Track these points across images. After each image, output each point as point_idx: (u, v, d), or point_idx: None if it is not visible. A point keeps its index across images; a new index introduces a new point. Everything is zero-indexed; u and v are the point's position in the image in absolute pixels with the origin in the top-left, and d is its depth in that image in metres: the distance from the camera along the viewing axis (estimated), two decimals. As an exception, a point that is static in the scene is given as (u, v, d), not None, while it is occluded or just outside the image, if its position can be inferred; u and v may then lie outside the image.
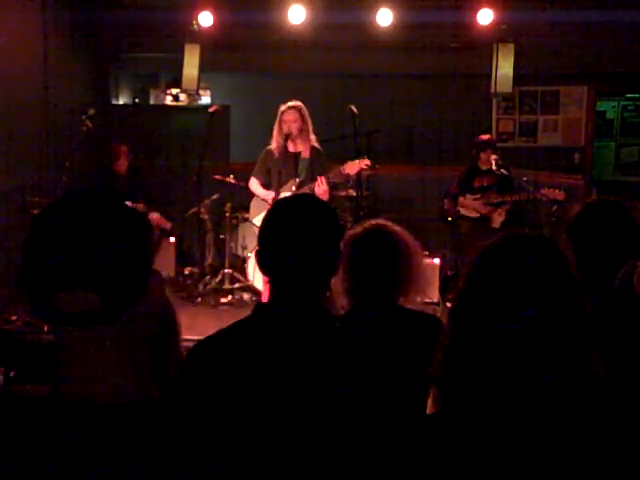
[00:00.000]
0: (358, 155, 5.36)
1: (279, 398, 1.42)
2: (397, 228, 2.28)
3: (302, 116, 5.46)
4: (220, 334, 1.55)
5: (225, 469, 1.37)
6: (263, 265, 1.57)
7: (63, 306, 1.05)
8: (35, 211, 5.38)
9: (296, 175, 5.49)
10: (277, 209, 1.64)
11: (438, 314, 5.41)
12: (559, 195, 5.69)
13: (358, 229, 2.28)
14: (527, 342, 1.22)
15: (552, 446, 1.20)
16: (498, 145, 7.07)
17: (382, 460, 1.37)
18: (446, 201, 6.22)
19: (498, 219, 6.06)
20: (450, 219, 6.21)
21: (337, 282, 2.13)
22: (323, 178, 5.33)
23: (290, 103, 5.48)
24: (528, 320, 1.22)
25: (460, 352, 1.27)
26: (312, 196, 1.92)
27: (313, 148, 5.57)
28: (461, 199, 6.14)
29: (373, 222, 2.29)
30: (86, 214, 1.09)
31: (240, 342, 1.51)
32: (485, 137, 6.32)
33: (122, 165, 6.41)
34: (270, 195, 5.51)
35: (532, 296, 1.24)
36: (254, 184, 5.74)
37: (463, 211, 6.16)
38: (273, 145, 5.61)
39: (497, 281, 1.26)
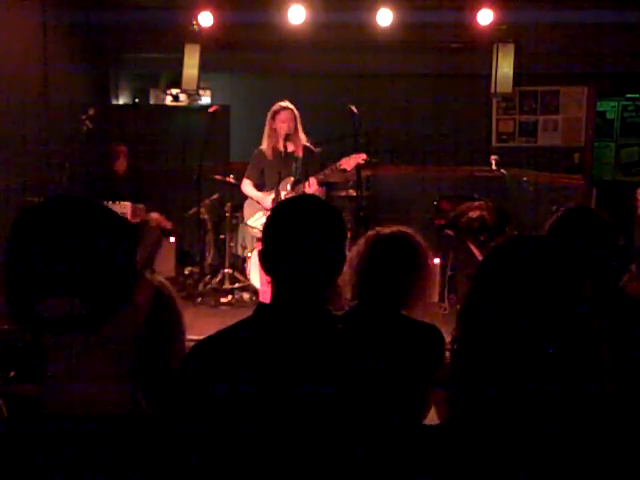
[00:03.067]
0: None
1: (279, 399, 1.42)
2: (421, 240, 2.26)
3: (295, 116, 5.51)
4: (220, 334, 1.54)
5: (225, 470, 1.37)
6: (266, 266, 1.56)
7: (45, 312, 1.03)
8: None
9: (291, 174, 5.51)
10: (281, 209, 1.62)
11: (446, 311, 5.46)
12: None
13: (384, 230, 2.25)
14: (536, 346, 1.19)
15: (558, 454, 1.18)
16: (498, 145, 7.02)
17: (380, 463, 1.37)
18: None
19: None
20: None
21: (346, 275, 2.12)
22: (313, 179, 5.36)
23: (282, 104, 5.51)
24: (537, 323, 1.20)
25: (468, 356, 1.25)
26: (317, 197, 1.91)
27: (305, 147, 5.60)
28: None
29: (401, 229, 2.26)
30: (68, 219, 1.06)
31: (240, 342, 1.50)
32: None
33: (121, 165, 6.41)
34: (265, 198, 5.55)
35: (540, 299, 1.21)
36: (247, 186, 5.77)
37: None
38: (264, 146, 5.63)
39: (505, 284, 1.25)
